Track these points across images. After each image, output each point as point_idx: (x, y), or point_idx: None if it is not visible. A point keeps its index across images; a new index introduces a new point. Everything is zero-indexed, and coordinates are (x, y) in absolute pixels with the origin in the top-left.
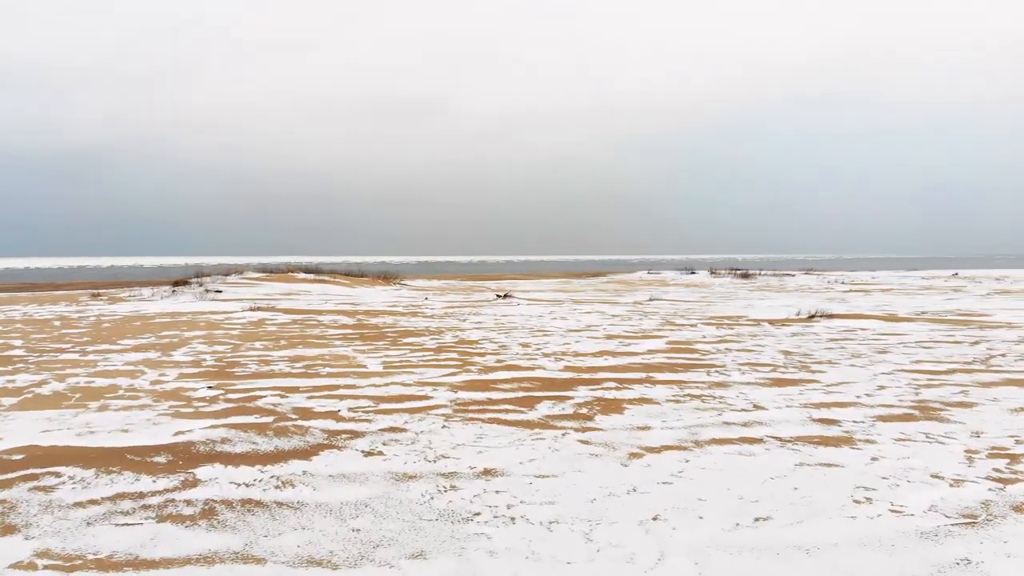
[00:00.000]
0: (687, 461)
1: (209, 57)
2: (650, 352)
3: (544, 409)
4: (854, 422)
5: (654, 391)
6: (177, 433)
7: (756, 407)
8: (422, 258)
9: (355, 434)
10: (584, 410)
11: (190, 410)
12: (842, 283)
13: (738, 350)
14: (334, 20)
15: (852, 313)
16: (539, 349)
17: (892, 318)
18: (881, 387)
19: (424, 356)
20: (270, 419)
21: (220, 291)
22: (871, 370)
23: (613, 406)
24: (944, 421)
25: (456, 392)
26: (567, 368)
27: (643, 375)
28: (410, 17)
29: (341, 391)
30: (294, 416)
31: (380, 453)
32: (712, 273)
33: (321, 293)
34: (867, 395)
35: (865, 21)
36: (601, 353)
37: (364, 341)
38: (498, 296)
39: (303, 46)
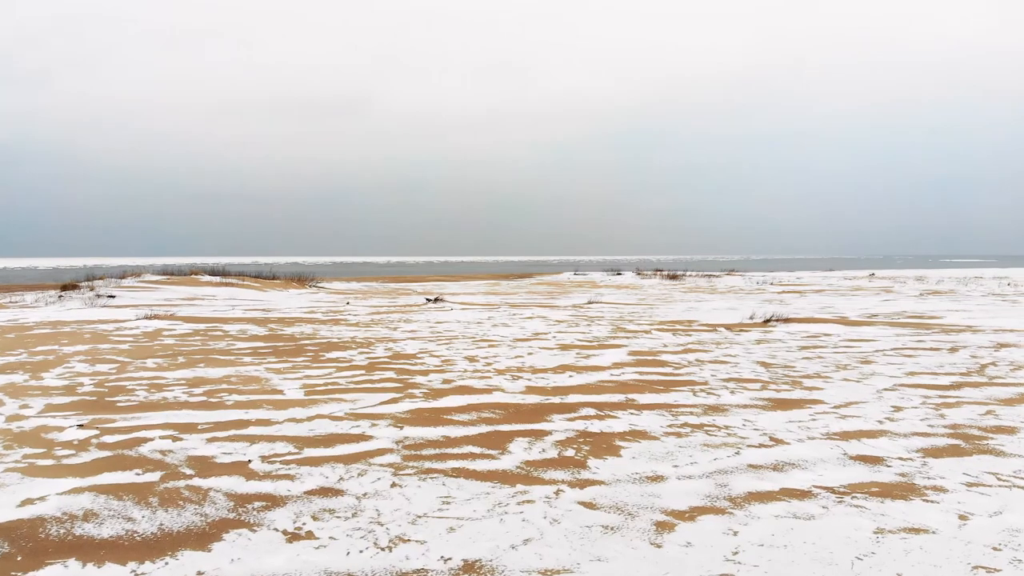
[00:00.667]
0: (735, 533)
1: (115, 52)
2: (616, 366)
3: (519, 451)
4: (900, 459)
5: (644, 420)
6: (23, 503)
7: (774, 440)
8: (337, 259)
9: (272, 501)
10: (570, 451)
11: (49, 462)
12: (771, 284)
13: (710, 361)
14: (247, 15)
15: (807, 317)
16: (490, 364)
17: (846, 321)
18: (896, 408)
19: (354, 376)
20: (156, 476)
21: (113, 296)
22: (870, 386)
23: (603, 444)
24: (1000, 454)
25: (402, 428)
26: (530, 389)
27: (622, 397)
28: (333, 15)
29: (252, 428)
30: (189, 471)
31: (310, 535)
32: (639, 274)
33: (228, 298)
34: (888, 419)
35: (770, 34)
36: (562, 368)
37: (279, 357)
38: (428, 300)
39: (220, 39)
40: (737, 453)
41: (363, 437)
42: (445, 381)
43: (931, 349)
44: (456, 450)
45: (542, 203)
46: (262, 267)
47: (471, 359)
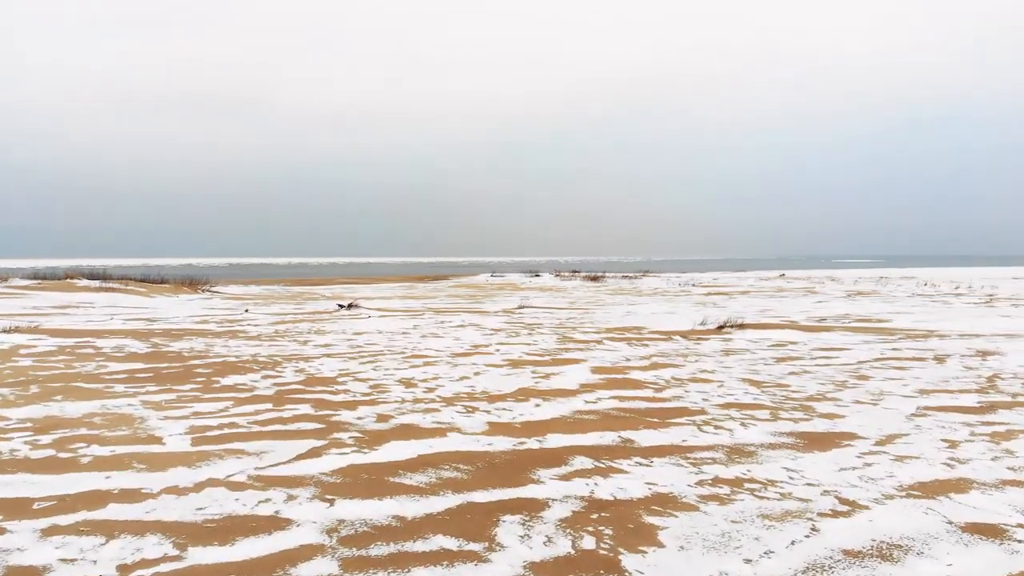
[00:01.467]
0: None
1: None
2: (586, 388)
3: (514, 542)
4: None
5: (661, 475)
6: None
7: (844, 503)
8: (234, 260)
9: None
10: (585, 539)
11: None
12: (692, 285)
13: (690, 380)
14: (138, 6)
15: (760, 323)
16: (432, 390)
17: (800, 327)
18: (949, 443)
19: (259, 412)
20: None
21: None
22: (892, 410)
23: (627, 521)
24: None
25: (332, 502)
26: (495, 427)
27: (614, 436)
28: (231, 11)
29: (112, 508)
30: None
31: None
32: (557, 275)
33: (107, 305)
34: (955, 460)
35: (671, 47)
36: (523, 394)
37: (161, 384)
38: (341, 307)
39: (103, 33)
40: (814, 529)
41: (277, 522)
42: (380, 418)
43: (915, 359)
44: (420, 545)
45: (444, 204)
46: (151, 270)
47: (407, 383)
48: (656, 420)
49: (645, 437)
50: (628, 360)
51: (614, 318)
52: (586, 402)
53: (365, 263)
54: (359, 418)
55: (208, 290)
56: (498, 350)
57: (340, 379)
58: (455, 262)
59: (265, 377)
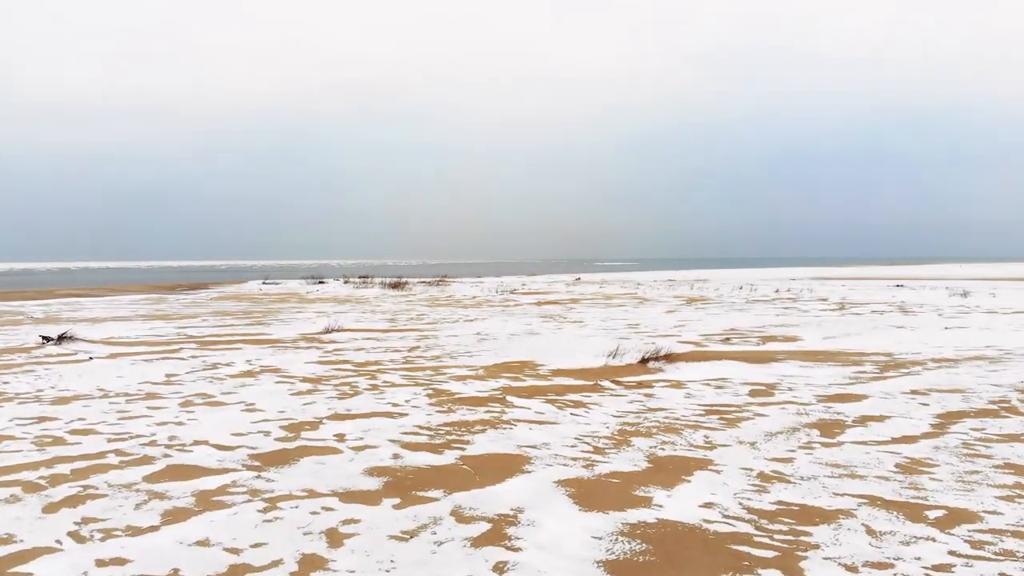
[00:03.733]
0: None
1: None
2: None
3: None
4: None
5: None
6: None
7: None
8: None
9: None
10: None
11: None
12: (513, 292)
13: (680, 479)
14: None
15: (690, 352)
16: None
17: (735, 356)
18: None
19: None
20: None
21: None
22: None
23: None
24: None
25: None
26: None
27: None
28: None
29: None
30: None
31: None
32: (347, 282)
33: None
34: None
35: (410, 45)
36: None
37: None
38: (46, 340)
39: None
40: None
41: None
42: None
43: (986, 412)
44: None
45: (197, 202)
46: None
47: None
48: None
49: None
50: (602, 452)
51: (472, 344)
52: None
53: (100, 268)
54: None
55: None
56: (340, 436)
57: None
58: (212, 266)
59: None
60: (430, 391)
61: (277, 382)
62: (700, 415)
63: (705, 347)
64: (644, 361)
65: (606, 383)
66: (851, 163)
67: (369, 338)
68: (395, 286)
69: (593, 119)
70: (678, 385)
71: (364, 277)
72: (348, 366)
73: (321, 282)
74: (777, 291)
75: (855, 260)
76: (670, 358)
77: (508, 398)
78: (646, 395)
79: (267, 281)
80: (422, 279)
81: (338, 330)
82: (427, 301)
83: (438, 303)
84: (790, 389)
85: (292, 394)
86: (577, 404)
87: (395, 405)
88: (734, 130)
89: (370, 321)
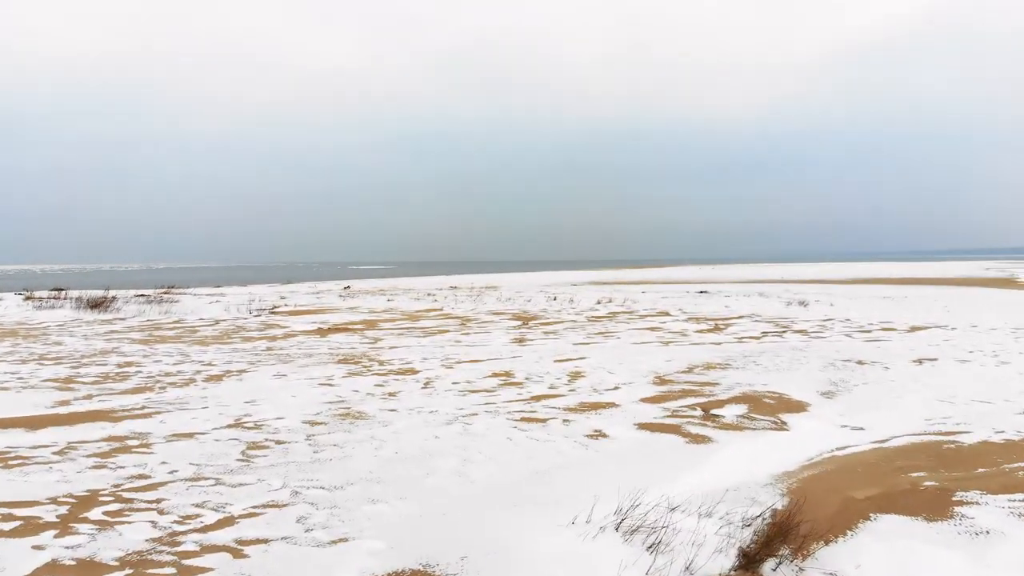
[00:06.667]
0: None
1: None
2: None
3: None
4: None
5: None
6: None
7: None
8: None
9: None
10: None
11: None
12: (271, 309)
13: None
14: None
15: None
16: None
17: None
18: None
19: None
20: None
21: None
22: None
23: None
24: None
25: None
26: None
27: None
28: None
29: None
30: None
31: None
32: (30, 298)
33: None
34: None
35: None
36: None
37: None
38: None
39: None
40: None
41: None
42: None
43: None
44: None
45: None
46: None
47: None
48: None
49: None
50: None
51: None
52: None
53: None
54: None
55: None
56: None
57: None
58: None
59: None
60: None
61: None
62: None
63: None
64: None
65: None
66: (577, 173)
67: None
68: (96, 305)
69: (337, 115)
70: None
71: (57, 291)
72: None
73: None
74: (610, 300)
75: (578, 263)
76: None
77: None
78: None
79: None
80: (140, 291)
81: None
82: (143, 331)
83: (160, 335)
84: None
85: None
86: None
87: None
88: (470, 132)
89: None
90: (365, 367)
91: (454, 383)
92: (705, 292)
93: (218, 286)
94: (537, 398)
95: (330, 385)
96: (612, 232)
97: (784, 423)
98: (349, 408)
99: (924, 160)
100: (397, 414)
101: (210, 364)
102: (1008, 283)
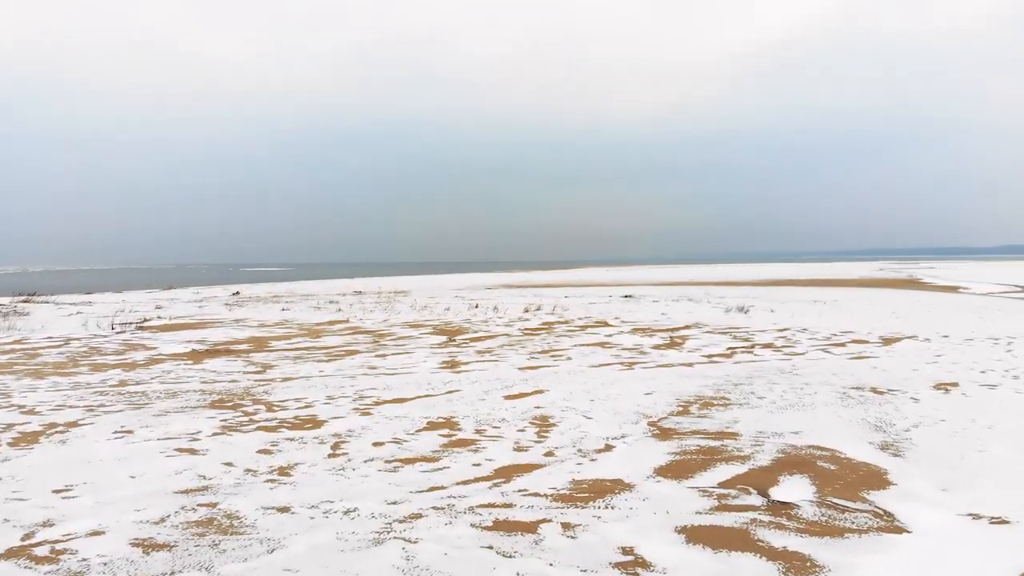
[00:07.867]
0: None
1: None
2: None
3: None
4: None
5: None
6: None
7: None
8: None
9: None
10: None
11: None
12: (141, 323)
13: None
14: None
15: None
16: None
17: None
18: None
19: None
20: None
21: None
22: None
23: None
24: None
25: None
26: None
27: None
28: None
29: None
30: None
31: None
32: None
33: None
34: None
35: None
36: None
37: None
38: None
39: None
40: None
41: None
42: None
43: None
44: None
45: None
46: None
47: None
48: None
49: None
50: None
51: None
52: None
53: None
54: None
55: None
56: None
57: None
58: None
59: None
60: None
61: None
62: None
63: None
64: None
65: None
66: (495, 175)
67: None
68: None
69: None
70: None
71: None
72: None
73: None
74: (538, 308)
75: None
76: None
77: None
78: None
79: None
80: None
81: None
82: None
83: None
84: None
85: None
86: None
87: None
88: (374, 131)
89: None
90: (247, 415)
91: (375, 444)
92: (630, 297)
93: (89, 292)
94: (503, 473)
95: (192, 453)
96: (511, 234)
97: (891, 517)
98: (216, 506)
99: (817, 163)
100: (292, 517)
101: (32, 412)
102: (914, 284)
